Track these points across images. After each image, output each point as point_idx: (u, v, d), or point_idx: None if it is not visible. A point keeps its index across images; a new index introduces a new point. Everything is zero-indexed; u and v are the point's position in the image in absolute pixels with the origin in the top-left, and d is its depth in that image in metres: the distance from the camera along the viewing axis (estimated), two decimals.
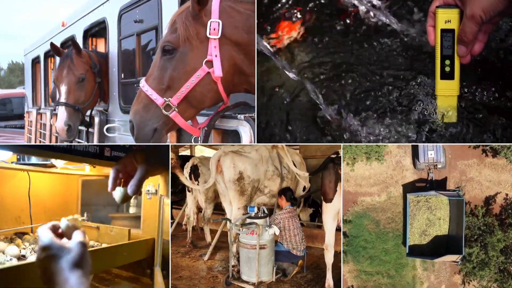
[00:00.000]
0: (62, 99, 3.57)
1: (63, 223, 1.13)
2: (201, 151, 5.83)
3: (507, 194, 2.22)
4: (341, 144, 2.69)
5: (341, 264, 2.69)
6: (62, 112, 3.56)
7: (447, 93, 1.69)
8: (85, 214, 3.48)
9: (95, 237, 3.31)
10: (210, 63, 1.94)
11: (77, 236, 1.09)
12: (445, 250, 2.36)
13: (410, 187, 2.36)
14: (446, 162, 2.32)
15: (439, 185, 2.37)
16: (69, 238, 1.10)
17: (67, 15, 5.07)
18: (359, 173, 2.38)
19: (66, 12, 5.99)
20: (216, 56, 1.93)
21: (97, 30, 4.35)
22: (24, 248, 2.73)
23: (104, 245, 3.09)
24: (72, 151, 2.49)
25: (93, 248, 2.94)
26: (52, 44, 3.80)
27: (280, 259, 3.24)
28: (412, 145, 2.57)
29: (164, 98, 1.95)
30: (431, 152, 2.31)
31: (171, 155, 3.51)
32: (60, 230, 1.13)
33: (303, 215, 4.41)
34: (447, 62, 1.62)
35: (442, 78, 1.65)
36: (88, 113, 3.94)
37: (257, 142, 2.09)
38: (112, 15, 3.76)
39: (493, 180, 2.27)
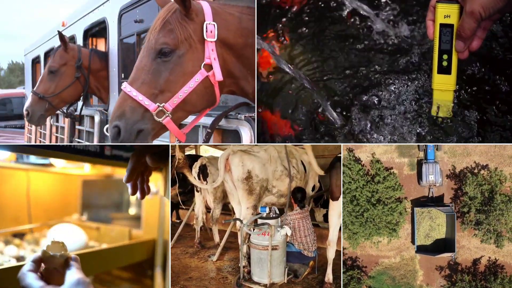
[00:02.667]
0: (35, 87, 3.79)
1: (44, 256, 0.94)
2: (205, 151, 5.80)
3: (489, 257, 2.97)
4: (341, 144, 2.68)
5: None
6: (28, 98, 3.84)
7: (443, 88, 1.68)
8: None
9: (95, 237, 3.30)
10: (208, 66, 1.88)
11: (72, 276, 0.90)
12: (444, 249, 3.01)
13: (416, 202, 3.08)
14: (443, 181, 3.00)
15: (438, 199, 3.05)
16: (59, 270, 0.93)
17: (67, 15, 5.07)
18: (380, 241, 3.11)
19: (66, 12, 5.98)
20: (214, 59, 1.88)
21: (97, 30, 4.34)
22: (23, 249, 2.72)
23: (104, 246, 3.08)
24: (72, 151, 2.48)
25: (93, 249, 2.93)
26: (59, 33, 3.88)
27: (291, 260, 3.20)
28: (417, 160, 3.05)
29: (157, 104, 1.83)
30: (431, 176, 2.94)
31: (179, 155, 3.49)
32: (43, 266, 0.95)
33: (316, 215, 4.34)
34: (445, 56, 1.61)
35: (439, 72, 1.64)
36: (80, 108, 4.20)
37: (257, 142, 2.08)
38: (112, 15, 3.76)
39: (479, 246, 2.99)
